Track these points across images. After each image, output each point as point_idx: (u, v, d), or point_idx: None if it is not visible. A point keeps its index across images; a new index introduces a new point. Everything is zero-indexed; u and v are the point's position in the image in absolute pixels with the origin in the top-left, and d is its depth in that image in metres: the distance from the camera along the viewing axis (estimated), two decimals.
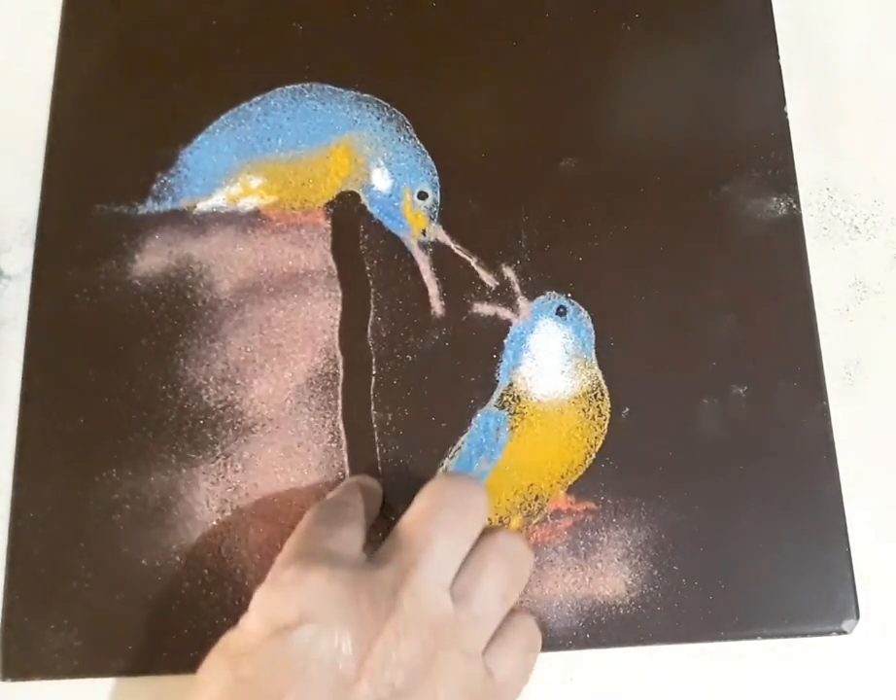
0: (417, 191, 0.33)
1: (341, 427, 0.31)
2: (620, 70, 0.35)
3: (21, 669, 0.30)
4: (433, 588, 0.25)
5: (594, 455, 0.31)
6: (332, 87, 0.35)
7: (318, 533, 0.26)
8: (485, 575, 0.26)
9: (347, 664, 0.23)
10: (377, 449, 0.31)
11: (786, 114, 0.34)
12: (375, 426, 0.31)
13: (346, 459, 0.31)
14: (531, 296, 0.33)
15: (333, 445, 0.31)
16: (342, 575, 0.24)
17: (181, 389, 0.32)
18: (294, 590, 0.24)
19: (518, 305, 0.33)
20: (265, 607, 0.24)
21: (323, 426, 0.31)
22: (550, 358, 0.32)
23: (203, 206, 0.34)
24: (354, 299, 0.33)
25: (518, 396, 0.32)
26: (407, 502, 0.31)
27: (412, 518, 0.26)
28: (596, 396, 0.32)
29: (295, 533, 0.27)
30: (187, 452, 0.31)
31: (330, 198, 0.34)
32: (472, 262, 0.33)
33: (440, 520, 0.26)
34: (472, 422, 0.31)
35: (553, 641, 0.30)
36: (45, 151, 0.34)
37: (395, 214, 0.33)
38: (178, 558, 0.30)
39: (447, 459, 0.31)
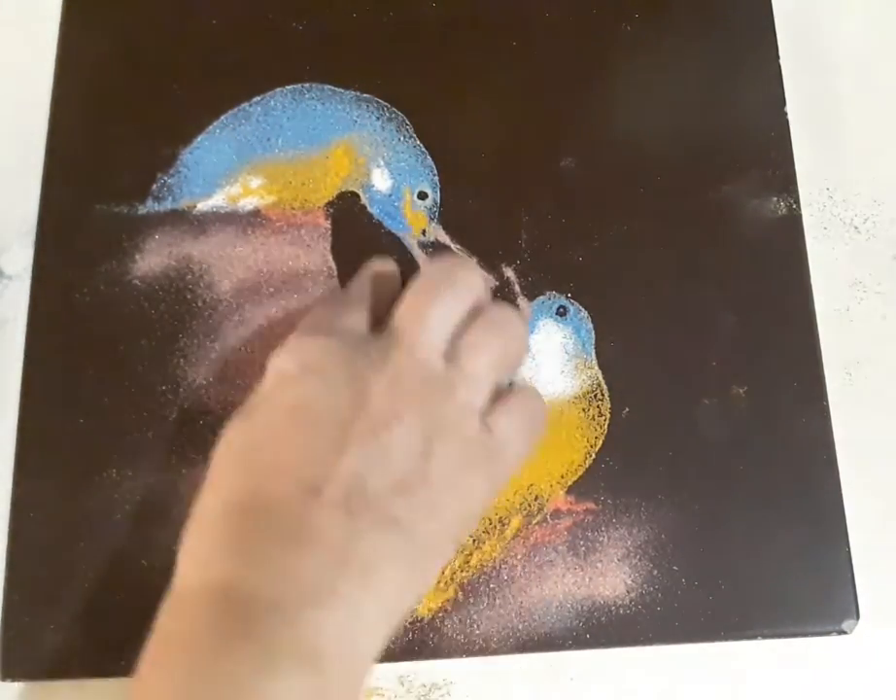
0: (417, 191, 0.33)
1: None
2: (620, 70, 0.35)
3: (21, 669, 0.30)
4: (425, 349, 0.26)
5: (594, 455, 0.31)
6: (332, 88, 0.35)
7: (322, 313, 0.28)
8: (475, 339, 0.27)
9: (346, 407, 0.24)
10: None
11: (786, 114, 0.34)
12: None
13: None
14: (531, 296, 0.33)
15: None
16: (342, 337, 0.26)
17: (181, 389, 0.32)
18: (299, 349, 0.26)
19: (518, 305, 0.33)
20: (273, 366, 0.26)
21: None
22: (550, 358, 0.32)
23: (203, 206, 0.34)
24: None
25: None
26: None
27: (407, 298, 0.27)
28: (596, 396, 0.32)
29: (304, 318, 0.29)
30: (187, 452, 0.31)
31: (330, 198, 0.34)
32: (472, 262, 0.33)
33: (430, 294, 0.27)
34: None
35: (553, 641, 0.30)
36: (45, 151, 0.34)
37: (394, 214, 0.33)
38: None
39: None
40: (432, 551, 0.25)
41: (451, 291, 0.27)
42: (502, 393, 0.28)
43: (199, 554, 0.24)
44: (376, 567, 0.23)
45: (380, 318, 0.28)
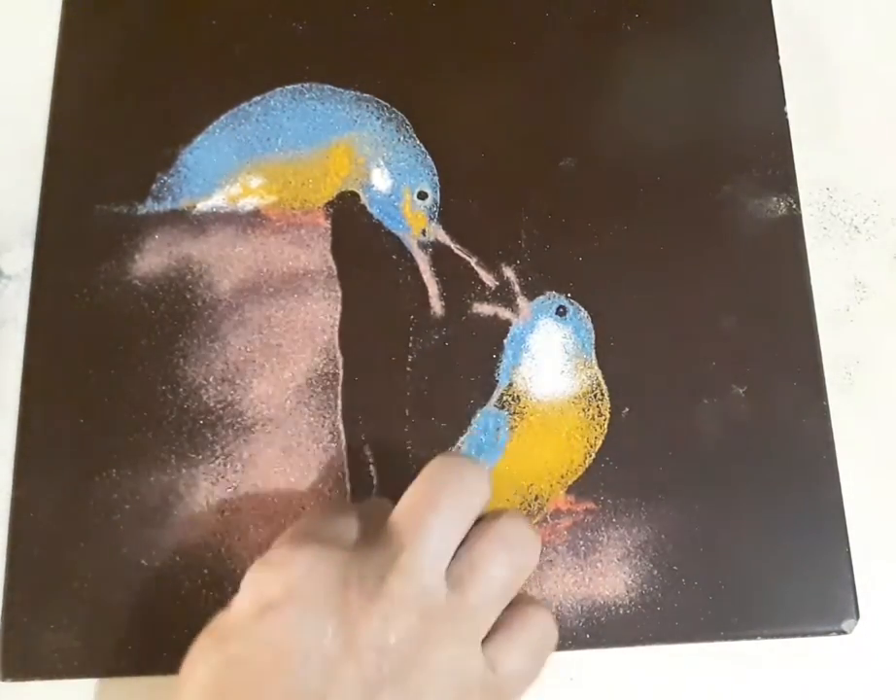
0: (417, 191, 0.33)
1: (341, 427, 0.31)
2: (620, 70, 0.35)
3: (21, 669, 0.30)
4: (425, 572, 0.24)
5: (594, 455, 0.31)
6: (332, 88, 0.35)
7: (314, 518, 0.26)
8: (483, 561, 0.24)
9: (332, 645, 0.22)
10: (377, 449, 0.31)
11: (786, 114, 0.34)
12: (375, 426, 0.31)
13: (346, 459, 0.31)
14: (531, 296, 0.33)
15: (333, 445, 0.31)
16: (331, 555, 0.24)
17: (181, 389, 0.32)
18: (282, 568, 0.24)
19: (518, 305, 0.33)
20: (254, 584, 0.24)
21: (323, 426, 0.31)
22: (550, 358, 0.32)
23: (203, 206, 0.34)
24: (354, 299, 0.33)
25: (518, 396, 0.32)
26: None
27: (407, 501, 0.25)
28: (596, 396, 0.32)
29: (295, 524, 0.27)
30: (187, 452, 0.31)
31: (330, 198, 0.34)
32: (472, 262, 0.33)
33: (435, 502, 0.24)
34: (472, 422, 0.31)
35: None
36: (45, 151, 0.34)
37: (394, 214, 0.33)
38: (178, 558, 0.30)
39: None
40: None
41: (456, 496, 0.25)
42: (507, 614, 0.25)
43: None
44: None
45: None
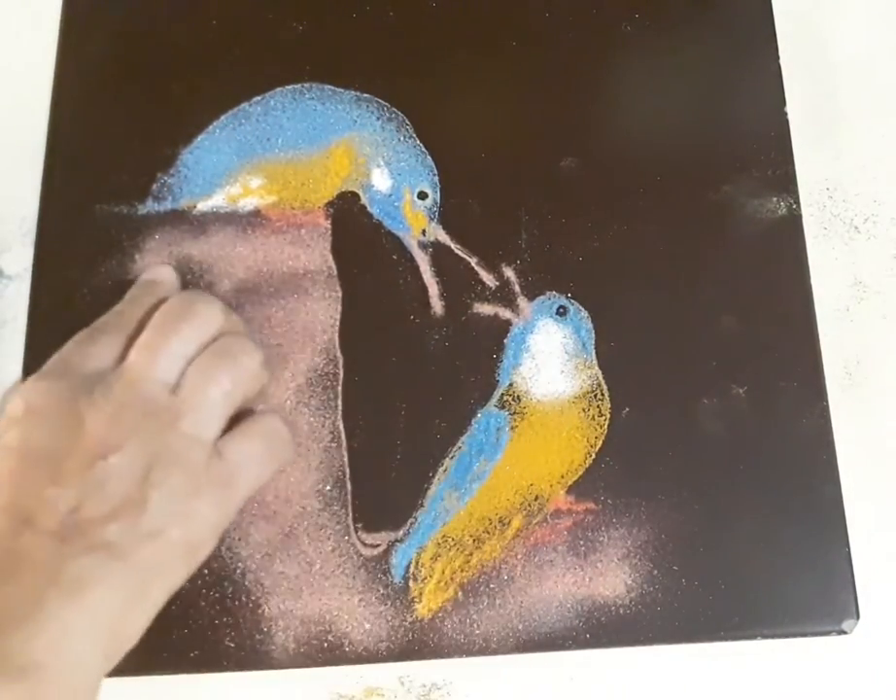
0: (417, 191, 0.33)
1: (341, 427, 0.31)
2: (620, 70, 0.35)
3: None
4: (148, 382, 0.27)
5: (594, 455, 0.31)
6: (332, 88, 0.35)
7: (68, 351, 0.29)
8: (201, 369, 0.28)
9: (61, 445, 0.26)
10: (377, 449, 0.31)
11: (786, 114, 0.34)
12: (375, 426, 0.31)
13: (346, 459, 0.31)
14: (531, 296, 0.33)
15: (333, 445, 0.31)
16: (69, 379, 0.27)
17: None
18: (25, 390, 0.27)
19: (518, 305, 0.33)
20: (5, 405, 0.27)
21: (323, 426, 0.31)
22: (550, 358, 0.32)
23: (203, 206, 0.34)
24: (354, 299, 0.33)
25: (518, 396, 0.32)
26: (407, 501, 0.31)
27: (142, 336, 0.28)
28: (596, 396, 0.32)
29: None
30: None
31: (330, 198, 0.34)
32: (472, 262, 0.33)
33: (165, 327, 0.28)
34: (472, 422, 0.31)
35: (553, 641, 0.30)
36: (45, 151, 0.34)
37: (394, 214, 0.33)
38: None
39: (447, 459, 0.31)
40: (154, 574, 0.26)
41: (186, 324, 0.28)
42: (241, 419, 0.29)
43: None
44: (88, 588, 0.24)
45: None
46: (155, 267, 0.32)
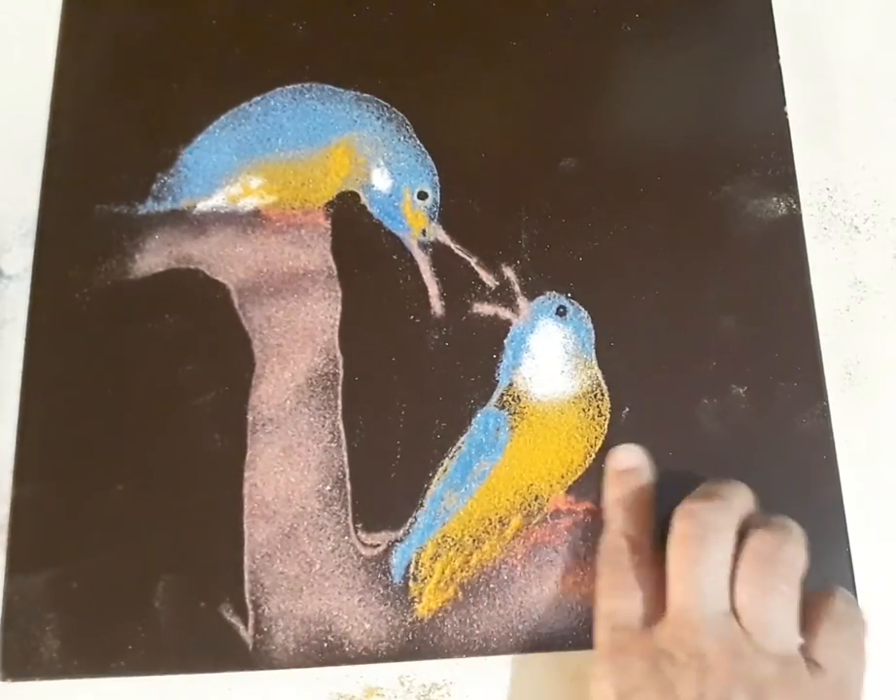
0: (417, 191, 0.33)
1: (341, 427, 0.31)
2: (620, 70, 0.35)
3: (21, 669, 0.30)
4: (704, 619, 0.26)
5: (594, 455, 0.31)
6: (332, 87, 0.35)
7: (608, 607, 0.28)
8: (757, 579, 0.26)
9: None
10: (377, 449, 0.31)
11: (786, 114, 0.34)
12: (375, 426, 0.31)
13: (346, 459, 0.31)
14: (531, 296, 0.33)
15: (333, 445, 0.31)
16: (654, 659, 0.26)
17: (181, 388, 0.32)
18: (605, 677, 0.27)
19: (518, 305, 0.33)
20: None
21: (323, 426, 0.31)
22: (550, 358, 0.32)
23: (203, 206, 0.34)
24: (354, 299, 0.33)
25: (518, 396, 0.32)
26: (407, 501, 0.31)
27: (669, 577, 0.27)
28: (596, 396, 0.32)
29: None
30: (187, 452, 0.31)
31: (330, 198, 0.34)
32: (472, 262, 0.33)
33: (693, 548, 0.27)
34: (472, 422, 0.31)
35: (553, 641, 0.30)
36: (45, 151, 0.34)
37: (395, 214, 0.33)
38: (178, 558, 0.30)
39: (447, 459, 0.31)
40: None
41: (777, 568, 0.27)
42: (811, 611, 0.27)
43: None
44: None
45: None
46: (619, 452, 0.31)
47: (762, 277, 0.33)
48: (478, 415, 0.32)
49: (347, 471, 0.31)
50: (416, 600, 0.30)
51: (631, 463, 0.30)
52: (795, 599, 0.26)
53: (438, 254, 0.33)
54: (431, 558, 0.30)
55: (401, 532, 0.31)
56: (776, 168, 0.34)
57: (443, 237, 0.33)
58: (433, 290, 0.33)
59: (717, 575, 0.26)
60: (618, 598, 0.28)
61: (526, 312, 0.32)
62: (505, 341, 0.32)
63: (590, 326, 0.32)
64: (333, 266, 0.33)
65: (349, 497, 0.31)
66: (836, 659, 0.26)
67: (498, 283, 0.33)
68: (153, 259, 0.33)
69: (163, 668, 0.30)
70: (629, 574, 0.28)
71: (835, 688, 0.26)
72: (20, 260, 0.34)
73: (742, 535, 0.27)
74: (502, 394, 0.32)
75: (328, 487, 0.31)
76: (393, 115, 0.34)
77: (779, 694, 0.25)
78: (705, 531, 0.27)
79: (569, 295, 0.33)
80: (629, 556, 0.28)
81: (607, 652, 0.27)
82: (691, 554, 0.27)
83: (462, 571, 0.30)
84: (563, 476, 0.31)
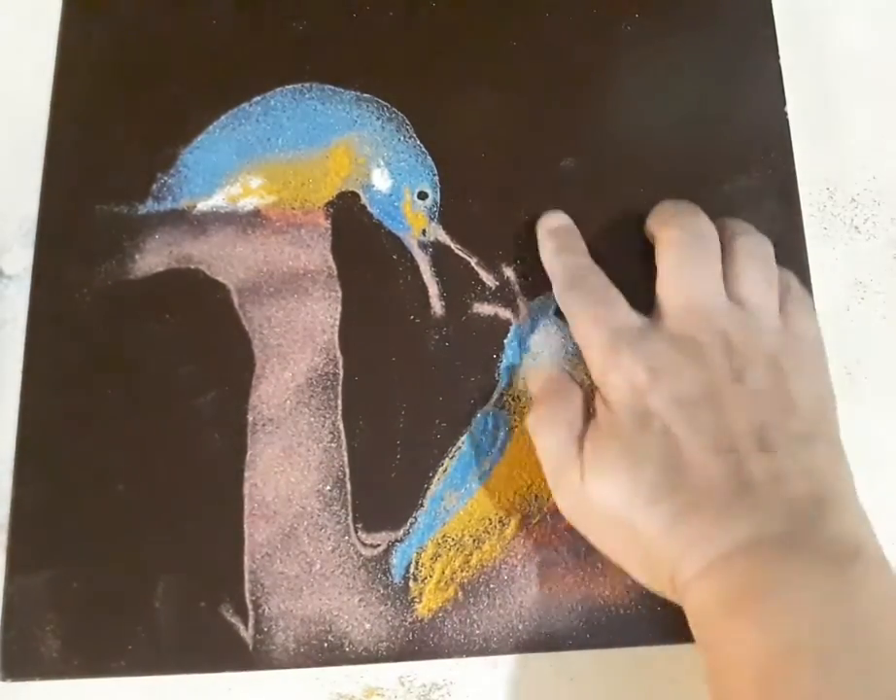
0: (417, 191, 0.33)
1: (341, 427, 0.31)
2: (620, 70, 0.35)
3: (21, 669, 0.30)
4: (715, 307, 0.29)
5: None
6: (332, 87, 0.35)
7: (599, 314, 0.30)
8: (747, 271, 0.30)
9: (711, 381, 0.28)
10: (377, 449, 0.31)
11: (786, 114, 0.34)
12: (375, 426, 0.31)
13: (346, 459, 0.31)
14: (531, 296, 0.33)
15: (333, 445, 0.31)
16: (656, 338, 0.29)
17: (181, 389, 0.32)
18: (635, 357, 0.28)
19: (518, 305, 0.33)
20: (610, 381, 0.29)
21: (323, 426, 0.31)
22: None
23: (203, 206, 0.34)
24: (354, 299, 0.33)
25: (518, 396, 0.32)
26: (407, 501, 0.31)
27: (664, 278, 0.30)
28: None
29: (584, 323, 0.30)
30: (187, 452, 0.31)
31: (330, 198, 0.34)
32: (472, 262, 0.33)
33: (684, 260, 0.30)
34: (472, 422, 0.31)
35: (553, 641, 0.30)
36: (45, 151, 0.34)
37: (395, 214, 0.33)
38: (179, 559, 0.30)
39: (447, 459, 0.31)
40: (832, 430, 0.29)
41: (702, 250, 0.30)
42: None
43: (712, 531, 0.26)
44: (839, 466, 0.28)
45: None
46: (549, 216, 0.33)
47: None
48: (478, 415, 0.32)
49: (347, 471, 0.31)
50: (416, 600, 0.30)
51: (560, 221, 0.32)
52: (777, 285, 0.30)
53: (438, 254, 0.33)
54: (432, 558, 0.30)
55: (401, 532, 0.31)
56: (776, 168, 0.34)
57: (443, 237, 0.33)
58: (433, 290, 0.33)
59: (715, 270, 0.29)
60: (604, 307, 0.30)
61: (526, 312, 0.32)
62: (505, 341, 0.32)
63: None
64: (333, 266, 0.33)
65: (349, 497, 0.31)
66: (801, 324, 0.30)
67: (498, 283, 0.33)
68: (153, 259, 0.33)
69: (163, 668, 0.30)
70: (604, 288, 0.30)
71: (812, 345, 0.30)
72: (20, 260, 0.34)
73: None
74: (502, 394, 0.32)
75: (329, 487, 0.31)
76: (393, 115, 0.34)
77: (787, 361, 0.28)
78: (694, 236, 0.30)
79: None
80: (594, 276, 0.31)
81: (624, 343, 0.28)
82: (690, 254, 0.30)
83: (462, 571, 0.30)
84: None
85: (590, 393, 0.30)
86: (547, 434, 0.29)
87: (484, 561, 0.30)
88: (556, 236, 0.32)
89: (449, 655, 0.30)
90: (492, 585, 0.30)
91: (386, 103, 0.34)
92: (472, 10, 0.36)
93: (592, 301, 0.30)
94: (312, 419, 0.32)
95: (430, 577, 0.30)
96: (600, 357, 0.29)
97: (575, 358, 0.32)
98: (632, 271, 0.33)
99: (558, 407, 0.29)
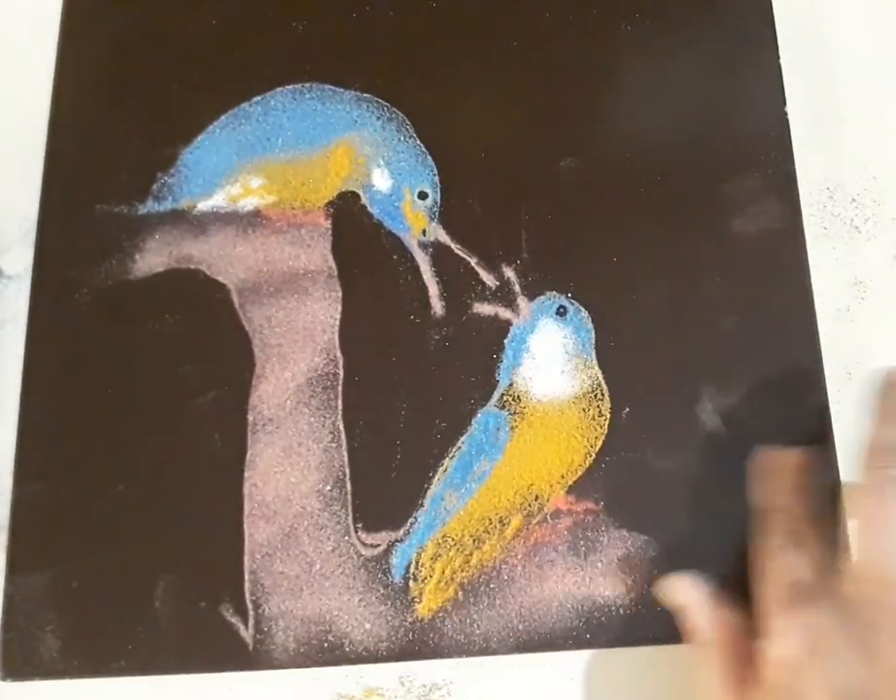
0: (417, 191, 0.33)
1: (341, 427, 0.31)
2: (620, 70, 0.35)
3: (21, 669, 0.30)
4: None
5: (594, 455, 0.31)
6: (332, 87, 0.35)
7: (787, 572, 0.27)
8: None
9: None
10: (377, 449, 0.31)
11: (786, 114, 0.34)
12: (375, 426, 0.31)
13: (346, 459, 0.31)
14: (531, 296, 0.33)
15: (333, 445, 0.31)
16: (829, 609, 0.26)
17: (181, 388, 0.32)
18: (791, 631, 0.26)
19: (518, 305, 0.33)
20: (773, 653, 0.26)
21: (323, 426, 0.31)
22: (550, 358, 0.32)
23: (203, 206, 0.34)
24: (354, 299, 0.33)
25: (518, 396, 0.32)
26: (407, 501, 0.31)
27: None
28: (596, 396, 0.32)
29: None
30: (187, 452, 0.31)
31: (330, 198, 0.34)
32: (472, 262, 0.33)
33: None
34: (472, 422, 0.31)
35: (553, 641, 0.30)
36: (45, 151, 0.34)
37: (395, 214, 0.33)
38: (178, 558, 0.30)
39: (447, 459, 0.31)
40: None
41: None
42: None
43: None
44: None
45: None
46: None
47: (762, 277, 0.33)
48: (478, 415, 0.32)
49: (347, 471, 0.31)
50: (416, 600, 0.30)
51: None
52: None
53: (438, 254, 0.33)
54: (432, 558, 0.30)
55: (402, 532, 0.31)
56: (776, 168, 0.34)
57: (443, 237, 0.33)
58: (434, 290, 0.33)
59: None
60: (792, 554, 0.27)
61: (526, 312, 0.32)
62: (505, 341, 0.32)
63: (590, 326, 0.32)
64: (333, 266, 0.33)
65: (349, 497, 0.31)
66: None
67: (498, 283, 0.33)
68: (153, 259, 0.33)
69: (163, 668, 0.30)
70: (798, 533, 0.28)
71: None
72: (20, 260, 0.34)
73: None
74: (502, 394, 0.32)
75: (329, 487, 0.31)
76: (393, 115, 0.34)
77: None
78: None
79: (569, 295, 0.33)
80: (792, 516, 0.28)
81: (788, 605, 0.26)
82: (889, 510, 0.26)
83: (462, 571, 0.30)
84: (563, 476, 0.31)
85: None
86: (710, 670, 0.27)
87: (484, 561, 0.30)
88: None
89: (449, 655, 0.30)
90: (492, 585, 0.30)
91: (386, 103, 0.34)
92: (472, 10, 0.36)
93: (778, 544, 0.28)
94: (312, 419, 0.32)
95: (431, 576, 0.30)
96: (769, 609, 0.27)
97: (575, 358, 0.32)
98: (632, 272, 0.33)
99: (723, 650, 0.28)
